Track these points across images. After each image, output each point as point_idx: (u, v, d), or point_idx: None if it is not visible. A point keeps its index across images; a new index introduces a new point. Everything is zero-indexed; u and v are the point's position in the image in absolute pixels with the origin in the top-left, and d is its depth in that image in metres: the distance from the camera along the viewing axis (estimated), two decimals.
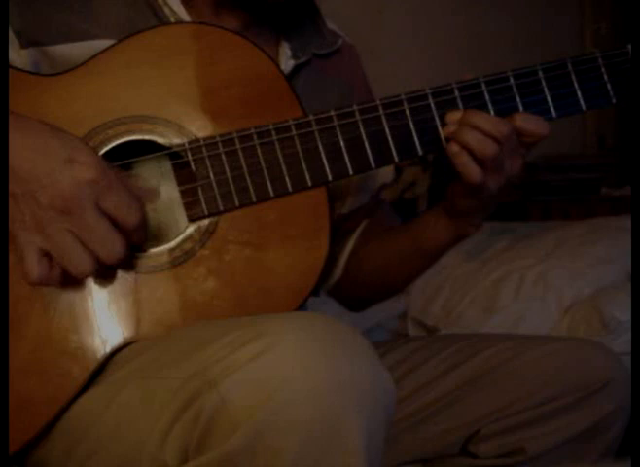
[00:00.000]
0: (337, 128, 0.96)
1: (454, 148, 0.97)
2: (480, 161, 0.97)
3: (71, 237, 0.83)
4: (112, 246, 0.84)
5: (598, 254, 2.06)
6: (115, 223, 0.85)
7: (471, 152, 0.97)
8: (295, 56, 1.09)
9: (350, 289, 1.23)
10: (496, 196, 1.02)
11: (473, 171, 0.97)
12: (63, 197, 0.82)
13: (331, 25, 1.18)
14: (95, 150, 0.90)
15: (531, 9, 3.10)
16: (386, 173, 1.18)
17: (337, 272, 1.21)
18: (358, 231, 1.21)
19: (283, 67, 1.06)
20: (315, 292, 1.23)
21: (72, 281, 0.88)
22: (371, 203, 1.22)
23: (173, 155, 0.94)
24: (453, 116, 0.98)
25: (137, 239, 0.88)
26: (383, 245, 1.18)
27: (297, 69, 1.09)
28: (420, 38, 2.92)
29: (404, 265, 1.16)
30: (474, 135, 0.96)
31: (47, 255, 0.84)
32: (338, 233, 1.20)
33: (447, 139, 0.98)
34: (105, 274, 0.90)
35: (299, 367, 0.73)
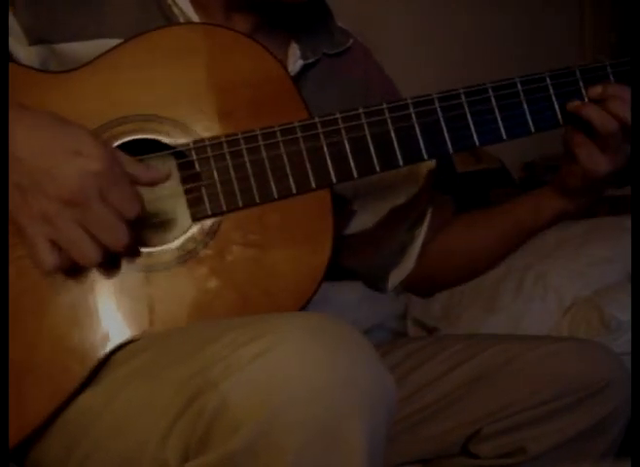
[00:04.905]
0: (342, 131, 0.96)
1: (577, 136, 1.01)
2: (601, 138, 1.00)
3: (78, 229, 0.84)
4: (119, 235, 0.85)
5: (598, 254, 2.06)
6: (116, 213, 0.85)
7: (594, 128, 1.00)
8: (304, 56, 1.08)
9: (432, 278, 1.24)
10: (604, 181, 1.04)
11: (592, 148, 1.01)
12: (70, 188, 0.83)
13: (342, 25, 1.17)
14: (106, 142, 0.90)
15: (532, 12, 3.11)
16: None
17: (409, 265, 1.21)
18: (426, 221, 1.21)
19: (291, 68, 1.06)
20: (380, 288, 1.23)
21: (76, 274, 0.89)
22: (424, 191, 1.20)
23: (178, 154, 0.94)
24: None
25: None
26: (476, 231, 1.19)
27: (306, 68, 1.08)
28: (422, 39, 2.93)
29: (502, 247, 1.18)
30: (599, 112, 1.00)
31: (55, 244, 0.85)
32: (404, 224, 1.20)
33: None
34: (107, 272, 0.90)
35: (300, 367, 0.73)
